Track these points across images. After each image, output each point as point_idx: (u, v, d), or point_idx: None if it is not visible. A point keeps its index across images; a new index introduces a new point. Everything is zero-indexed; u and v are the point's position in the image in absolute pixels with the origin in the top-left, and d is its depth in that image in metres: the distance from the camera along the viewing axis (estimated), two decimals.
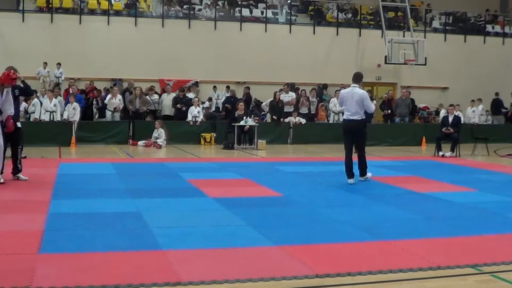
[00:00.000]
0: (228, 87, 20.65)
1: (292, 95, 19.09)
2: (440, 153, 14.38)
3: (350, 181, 9.35)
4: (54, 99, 16.42)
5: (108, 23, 21.21)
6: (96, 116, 18.17)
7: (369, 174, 9.65)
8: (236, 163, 12.62)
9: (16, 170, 9.16)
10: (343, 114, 18.36)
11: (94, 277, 4.23)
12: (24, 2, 20.74)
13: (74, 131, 15.99)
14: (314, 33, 23.20)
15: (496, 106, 22.70)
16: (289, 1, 24.18)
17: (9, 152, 9.19)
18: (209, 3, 22.91)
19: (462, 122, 15.59)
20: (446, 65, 23.78)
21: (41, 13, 20.87)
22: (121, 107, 17.54)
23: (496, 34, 25.76)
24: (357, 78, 9.60)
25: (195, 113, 17.40)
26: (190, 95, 18.81)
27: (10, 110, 8.70)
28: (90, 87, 19.01)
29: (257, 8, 23.44)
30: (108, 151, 14.93)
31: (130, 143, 16.61)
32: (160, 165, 11.87)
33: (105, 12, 21.38)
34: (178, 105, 17.72)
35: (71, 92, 17.35)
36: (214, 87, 21.32)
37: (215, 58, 21.55)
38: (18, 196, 7.81)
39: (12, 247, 5.11)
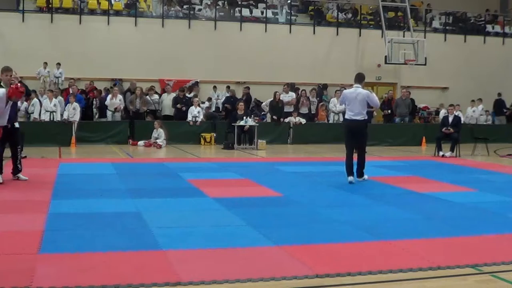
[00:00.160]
0: (228, 87, 20.66)
1: (292, 95, 19.10)
2: (440, 153, 14.38)
3: (350, 178, 9.38)
4: (54, 99, 16.42)
5: (108, 23, 21.21)
6: (97, 116, 18.18)
7: (365, 176, 9.66)
8: (236, 163, 12.62)
9: (16, 170, 9.16)
10: (343, 114, 18.42)
11: (94, 277, 4.23)
12: (24, 2, 20.73)
13: (74, 131, 15.99)
14: (314, 33, 23.20)
15: (499, 106, 22.67)
16: (289, 1, 24.18)
17: (9, 152, 9.20)
18: (209, 3, 22.91)
19: (462, 122, 15.60)
20: (446, 65, 23.78)
21: (41, 13, 20.87)
22: (121, 107, 17.55)
23: (496, 34, 25.76)
24: (360, 78, 9.69)
25: (195, 113, 17.40)
26: (193, 94, 18.91)
27: (2, 120, 8.61)
28: (90, 87, 19.02)
29: (257, 8, 23.44)
30: (108, 151, 14.93)
31: (130, 143, 16.61)
32: (160, 165, 11.87)
33: (105, 12, 21.38)
34: (178, 105, 17.72)
35: (71, 92, 17.36)
36: (214, 87, 21.32)
37: (215, 58, 21.55)
38: (18, 196, 7.81)
39: (12, 247, 5.11)
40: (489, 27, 25.81)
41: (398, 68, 23.44)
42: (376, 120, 20.62)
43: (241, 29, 22.38)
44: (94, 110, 18.33)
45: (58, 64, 19.26)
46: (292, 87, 20.36)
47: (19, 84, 8.73)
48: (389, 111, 19.47)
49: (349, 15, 24.51)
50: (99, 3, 21.55)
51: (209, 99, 20.24)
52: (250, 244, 5.35)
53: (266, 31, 22.66)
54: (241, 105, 17.12)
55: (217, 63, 21.59)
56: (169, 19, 22.00)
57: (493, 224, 6.40)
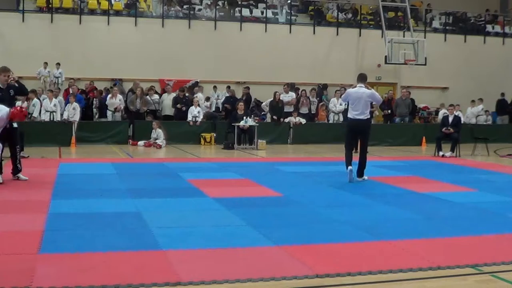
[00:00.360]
0: (228, 87, 20.66)
1: (292, 95, 19.10)
2: (440, 153, 14.38)
3: (350, 167, 9.43)
4: (54, 99, 16.43)
5: (108, 23, 21.21)
6: (97, 116, 18.18)
7: (365, 177, 9.68)
8: (236, 163, 12.62)
9: (16, 170, 9.16)
10: (343, 113, 18.40)
11: (94, 277, 4.23)
12: (24, 2, 20.73)
13: (74, 131, 15.99)
14: (314, 33, 23.20)
15: (502, 106, 22.61)
16: (289, 1, 24.18)
17: (8, 152, 9.20)
18: (209, 3, 22.91)
19: (462, 122, 15.60)
20: (446, 65, 23.78)
21: (41, 13, 20.86)
22: (121, 107, 17.55)
23: (496, 34, 25.75)
24: (363, 78, 9.81)
25: (195, 113, 17.40)
26: (199, 95, 18.96)
27: None
28: (90, 87, 19.03)
29: (257, 8, 23.44)
30: (108, 151, 14.93)
31: (130, 143, 16.61)
32: (160, 165, 11.87)
33: (105, 12, 21.38)
34: (178, 105, 17.72)
35: (71, 92, 17.36)
36: (214, 87, 21.32)
37: (215, 58, 21.55)
38: (18, 196, 7.81)
39: (12, 247, 5.11)
40: (489, 27, 25.80)
41: (398, 68, 23.44)
42: (376, 120, 20.62)
43: (241, 29, 22.38)
44: (94, 110, 18.34)
45: (58, 64, 19.24)
46: (292, 87, 20.36)
47: (24, 108, 8.82)
48: (389, 111, 19.48)
49: (349, 15, 24.51)
50: (99, 3, 21.55)
51: (207, 99, 20.18)
52: (250, 244, 5.34)
53: (266, 31, 22.65)
54: (241, 105, 17.12)
55: (217, 63, 21.59)
56: (169, 19, 22.00)
57: (493, 224, 6.40)
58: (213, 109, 20.27)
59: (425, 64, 22.59)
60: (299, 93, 19.99)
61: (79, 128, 16.29)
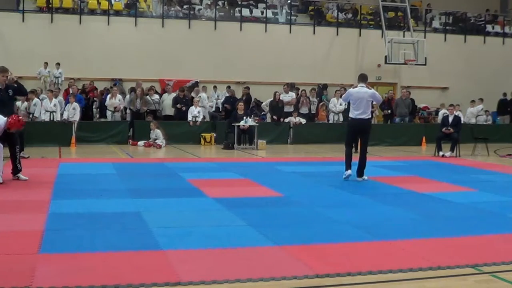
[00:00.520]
0: (228, 87, 20.66)
1: (292, 95, 19.09)
2: (440, 153, 14.38)
3: (348, 172, 9.53)
4: (54, 99, 16.42)
5: (108, 23, 21.21)
6: (97, 116, 18.18)
7: (365, 177, 9.69)
8: (236, 163, 12.61)
9: (15, 170, 9.16)
10: (343, 113, 18.39)
11: (94, 277, 4.23)
12: (24, 2, 20.74)
13: (74, 131, 15.99)
14: (314, 33, 23.21)
15: (503, 106, 22.57)
16: (289, 1, 24.18)
17: (8, 153, 9.20)
18: (209, 3, 22.92)
19: (462, 122, 15.60)
20: (446, 65, 23.78)
21: (41, 13, 20.87)
22: (121, 107, 17.55)
23: (496, 34, 25.76)
24: (364, 78, 9.91)
25: (195, 113, 17.39)
26: (203, 95, 19.00)
27: None
28: (90, 87, 19.03)
29: (257, 8, 23.45)
30: (108, 151, 14.92)
31: (130, 143, 16.61)
32: (160, 165, 11.87)
33: (105, 12, 21.39)
34: (178, 105, 17.72)
35: (71, 92, 17.36)
36: (214, 87, 21.32)
37: (215, 58, 21.55)
38: (18, 196, 7.81)
39: (12, 247, 5.10)
40: (489, 27, 25.81)
41: (398, 68, 23.44)
42: (376, 120, 20.62)
43: (241, 29, 22.38)
44: (94, 110, 18.33)
45: (58, 64, 19.25)
46: (292, 87, 20.36)
47: (20, 117, 8.84)
48: (389, 111, 19.48)
49: (349, 15, 24.51)
50: (99, 3, 21.56)
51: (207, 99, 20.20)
52: (250, 244, 5.34)
53: (266, 31, 22.66)
54: (240, 105, 17.11)
55: (217, 63, 21.59)
56: (169, 19, 22.01)
57: (493, 224, 6.39)
58: (213, 109, 20.28)
59: (425, 64, 22.60)
60: (299, 93, 19.98)
61: (79, 128, 16.29)
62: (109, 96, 17.68)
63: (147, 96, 17.88)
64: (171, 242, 5.30)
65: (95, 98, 18.41)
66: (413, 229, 6.07)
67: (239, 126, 16.19)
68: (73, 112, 16.28)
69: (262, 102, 20.05)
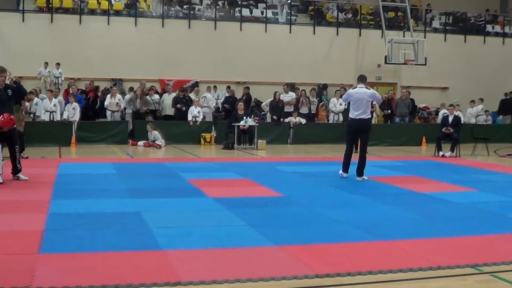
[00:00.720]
0: (228, 87, 20.66)
1: (292, 95, 19.09)
2: (440, 153, 14.38)
3: (344, 174, 9.67)
4: (54, 99, 16.42)
5: (108, 23, 21.21)
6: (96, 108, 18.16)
7: (365, 177, 9.70)
8: (236, 163, 12.61)
9: (15, 170, 9.16)
10: (343, 113, 18.40)
11: (94, 277, 4.23)
12: (24, 2, 20.73)
13: (74, 131, 15.99)
14: (314, 33, 23.20)
15: (506, 106, 22.49)
16: (289, 1, 24.18)
17: (8, 153, 9.20)
18: (209, 3, 22.92)
19: (462, 122, 15.60)
20: (446, 65, 23.78)
21: (41, 13, 20.86)
22: (122, 107, 17.54)
23: (496, 34, 25.76)
24: (363, 79, 9.96)
25: (195, 113, 17.39)
26: (208, 95, 18.98)
27: None
28: (90, 87, 19.02)
29: (257, 8, 23.44)
30: (108, 151, 14.92)
31: (130, 143, 16.60)
32: (160, 165, 11.87)
33: (105, 12, 21.38)
34: (178, 105, 17.71)
35: (71, 92, 17.36)
36: (215, 87, 21.31)
37: (215, 58, 21.55)
38: (18, 196, 7.81)
39: (12, 247, 5.11)
40: (489, 27, 25.81)
41: (398, 68, 23.44)
42: (376, 120, 20.62)
43: (241, 29, 22.38)
44: (98, 104, 18.29)
45: (58, 64, 19.24)
46: (292, 87, 20.35)
47: (12, 116, 8.80)
48: (389, 111, 19.48)
49: (349, 15, 24.51)
50: (99, 3, 21.55)
51: (204, 99, 20.13)
52: (250, 244, 5.34)
53: (266, 31, 22.65)
54: (240, 105, 17.11)
55: (217, 63, 21.59)
56: (169, 19, 22.00)
57: (493, 224, 6.40)
58: (213, 109, 20.27)
59: (425, 64, 22.60)
60: (299, 93, 19.98)
61: (79, 128, 16.29)
62: (108, 96, 17.67)
63: (147, 96, 17.87)
64: (171, 242, 5.30)
65: (97, 98, 18.37)
66: (413, 229, 6.07)
67: (239, 126, 16.19)
68: (73, 112, 16.27)
69: (262, 102, 20.05)
